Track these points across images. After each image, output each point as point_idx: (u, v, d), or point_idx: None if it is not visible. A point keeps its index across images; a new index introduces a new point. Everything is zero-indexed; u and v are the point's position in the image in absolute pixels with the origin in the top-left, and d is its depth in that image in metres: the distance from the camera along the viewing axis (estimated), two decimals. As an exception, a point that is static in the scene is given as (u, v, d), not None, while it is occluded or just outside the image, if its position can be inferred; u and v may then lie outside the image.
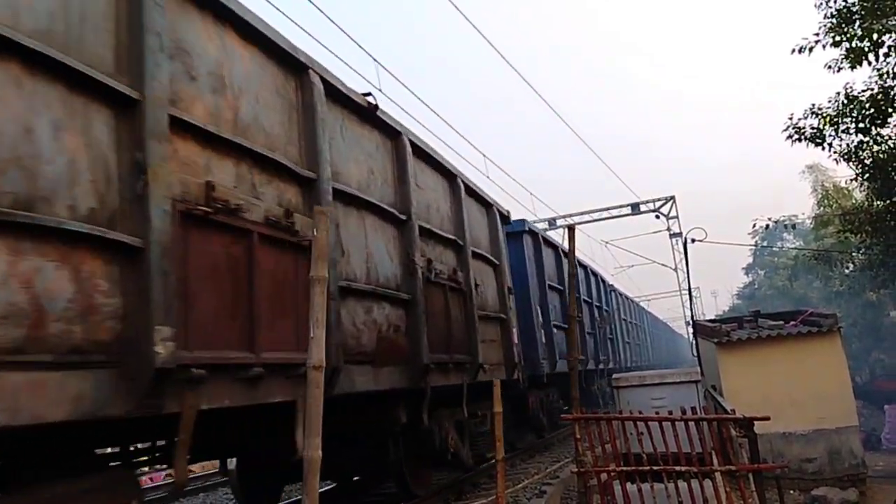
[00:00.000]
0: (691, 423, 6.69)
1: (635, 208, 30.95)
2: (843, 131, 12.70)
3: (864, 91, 12.33)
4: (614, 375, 10.81)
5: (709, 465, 6.52)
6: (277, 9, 9.03)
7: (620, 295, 26.77)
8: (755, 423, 6.71)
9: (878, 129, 12.52)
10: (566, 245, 7.47)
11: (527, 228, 12.86)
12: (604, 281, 22.57)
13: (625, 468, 6.71)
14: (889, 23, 11.00)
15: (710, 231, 13.77)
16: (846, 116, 12.47)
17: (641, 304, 39.11)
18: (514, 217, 11.61)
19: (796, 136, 13.14)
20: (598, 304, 19.75)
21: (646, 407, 8.52)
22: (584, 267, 18.96)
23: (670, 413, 6.78)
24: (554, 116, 24.06)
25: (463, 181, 8.71)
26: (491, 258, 9.54)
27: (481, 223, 9.60)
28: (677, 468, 6.46)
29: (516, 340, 9.85)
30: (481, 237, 9.42)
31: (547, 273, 13.84)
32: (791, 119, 13.24)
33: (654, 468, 6.52)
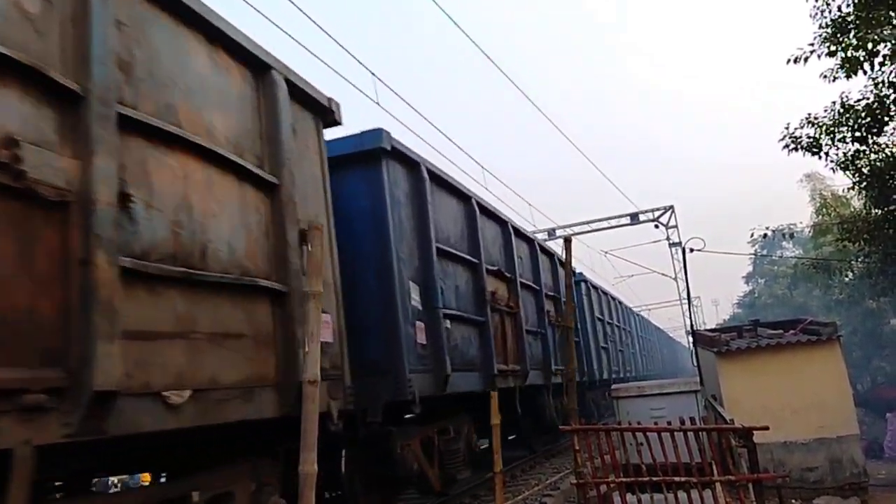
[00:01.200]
0: (690, 434, 6.70)
1: (634, 218, 30.97)
2: (839, 140, 12.75)
3: (859, 100, 12.39)
4: (614, 386, 10.77)
5: (709, 476, 6.52)
6: (275, 24, 9.09)
7: (595, 288, 21.51)
8: (754, 432, 6.73)
9: (875, 137, 12.58)
10: (564, 255, 7.50)
11: (390, 147, 7.20)
12: (561, 263, 15.79)
13: (624, 479, 6.71)
14: (884, 32, 11.06)
15: (711, 237, 13.84)
16: (842, 125, 12.53)
17: (642, 313, 39.00)
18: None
19: (793, 146, 13.19)
20: (553, 293, 14.18)
21: (645, 417, 8.53)
22: (529, 240, 13.04)
23: (669, 424, 6.78)
24: (552, 125, 24.20)
25: None
26: (250, 168, 4.73)
27: (220, 92, 4.65)
28: (677, 479, 6.46)
29: (330, 339, 5.49)
30: (215, 118, 4.50)
31: (443, 232, 8.29)
32: (787, 128, 13.31)
33: (654, 479, 6.53)
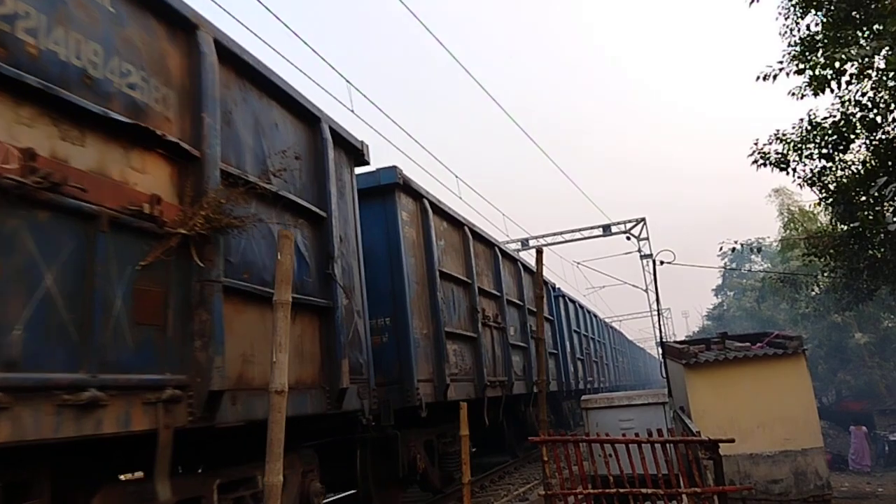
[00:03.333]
0: (658, 445, 6.74)
1: (606, 230, 31.24)
2: (806, 157, 12.94)
3: (826, 118, 12.60)
4: (584, 397, 10.76)
5: (675, 488, 6.56)
6: (253, 32, 9.04)
7: (523, 267, 14.47)
8: (720, 444, 6.78)
9: (841, 154, 12.78)
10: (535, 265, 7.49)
11: None
12: (478, 234, 11.64)
13: (592, 491, 6.72)
14: (851, 52, 11.27)
15: (682, 250, 13.87)
16: (809, 142, 12.71)
17: (613, 324, 39.17)
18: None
19: (762, 162, 13.37)
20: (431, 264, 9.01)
21: (614, 429, 8.57)
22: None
23: (637, 435, 6.81)
24: (527, 137, 24.42)
25: None
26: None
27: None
28: (644, 490, 6.49)
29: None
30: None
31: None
32: (756, 144, 13.48)
33: (622, 490, 6.55)
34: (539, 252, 7.34)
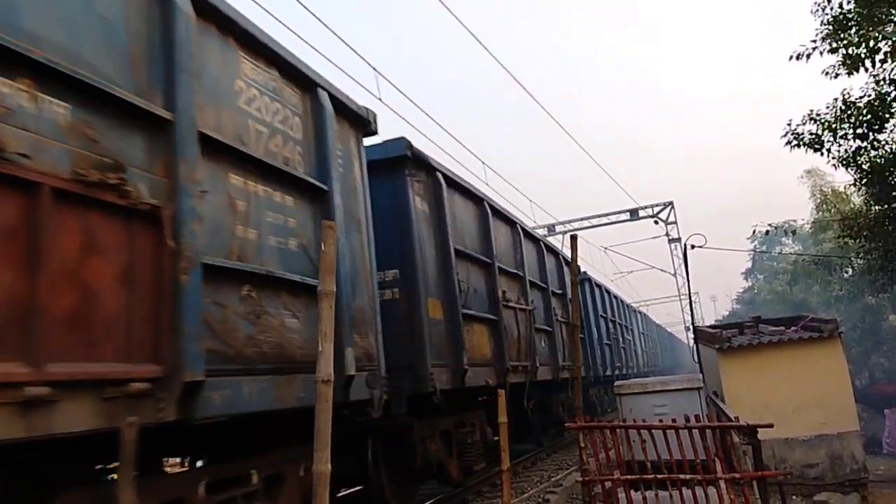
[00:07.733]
0: (695, 431, 6.71)
1: (634, 214, 31.02)
2: (841, 137, 12.74)
3: (861, 97, 12.40)
4: (617, 383, 10.69)
5: (713, 473, 6.54)
6: (277, 19, 9.07)
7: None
8: (758, 430, 6.74)
9: (876, 134, 12.57)
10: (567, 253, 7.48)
11: None
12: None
13: (629, 476, 6.73)
14: (885, 30, 11.07)
15: (709, 233, 13.74)
16: (844, 122, 12.52)
17: (641, 308, 38.88)
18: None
19: (795, 142, 13.19)
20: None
21: (648, 414, 8.53)
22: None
23: (674, 421, 6.79)
24: (554, 122, 24.35)
25: None
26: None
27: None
28: (682, 476, 6.48)
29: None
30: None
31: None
32: (790, 125, 13.30)
33: (659, 476, 6.54)
34: (574, 238, 7.32)
